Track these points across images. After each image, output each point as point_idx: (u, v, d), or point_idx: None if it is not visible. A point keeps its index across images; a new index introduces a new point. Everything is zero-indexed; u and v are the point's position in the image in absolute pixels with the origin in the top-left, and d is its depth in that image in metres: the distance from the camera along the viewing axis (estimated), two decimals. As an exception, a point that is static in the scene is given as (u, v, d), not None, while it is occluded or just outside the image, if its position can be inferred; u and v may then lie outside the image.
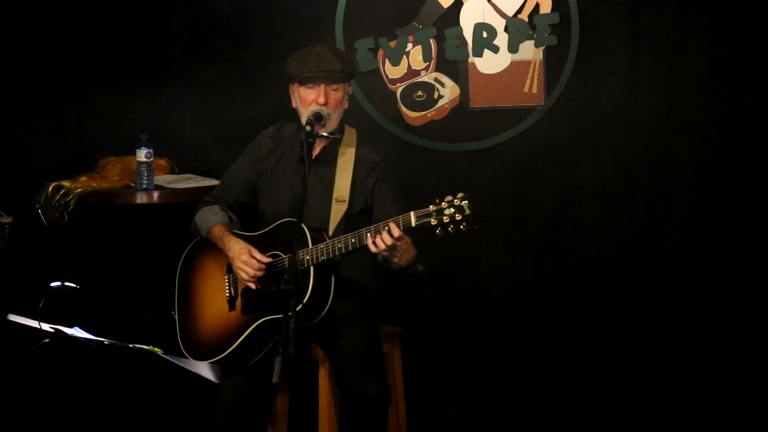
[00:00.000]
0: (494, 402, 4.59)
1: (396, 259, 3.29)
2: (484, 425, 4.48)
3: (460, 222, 3.11)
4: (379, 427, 3.41)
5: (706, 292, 4.53)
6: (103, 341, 3.08)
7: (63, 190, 4.14)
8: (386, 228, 3.20)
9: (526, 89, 4.56)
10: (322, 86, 3.49)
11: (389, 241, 3.20)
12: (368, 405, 3.35)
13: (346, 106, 3.61)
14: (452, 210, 3.11)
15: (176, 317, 3.65)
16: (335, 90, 3.51)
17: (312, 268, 3.32)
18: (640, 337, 4.57)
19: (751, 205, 4.48)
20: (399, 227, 3.19)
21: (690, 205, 4.53)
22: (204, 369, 3.13)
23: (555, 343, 4.62)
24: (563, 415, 4.52)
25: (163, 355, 3.05)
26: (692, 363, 4.54)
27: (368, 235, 3.24)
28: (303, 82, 3.52)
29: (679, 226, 4.54)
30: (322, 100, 3.48)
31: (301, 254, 3.28)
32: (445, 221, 3.11)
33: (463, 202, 3.11)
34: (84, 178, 4.22)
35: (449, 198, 3.13)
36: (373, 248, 3.23)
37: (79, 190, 4.14)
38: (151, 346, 3.05)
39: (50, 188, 4.15)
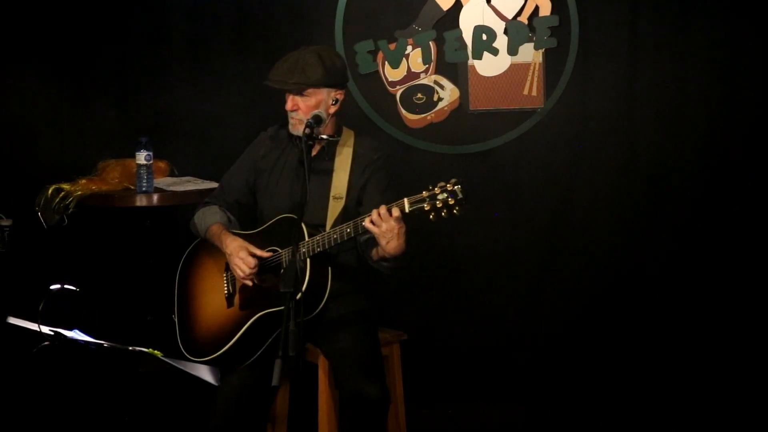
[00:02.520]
0: (494, 403, 4.58)
1: (384, 242, 3.25)
2: (483, 426, 4.48)
3: (453, 206, 3.13)
4: (378, 428, 3.41)
5: (708, 293, 4.53)
6: (103, 344, 3.08)
7: (63, 193, 4.13)
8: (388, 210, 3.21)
9: (525, 92, 4.56)
10: (290, 96, 3.52)
11: (387, 218, 3.18)
12: (368, 407, 3.35)
13: (332, 111, 3.58)
14: (445, 195, 3.13)
15: (176, 319, 3.65)
16: (305, 97, 3.51)
17: (308, 260, 3.32)
18: (641, 338, 4.57)
19: (752, 204, 4.48)
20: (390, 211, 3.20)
21: (691, 207, 4.53)
22: (203, 371, 3.13)
23: (554, 344, 4.62)
24: (563, 416, 4.52)
25: (162, 358, 3.06)
26: (694, 364, 4.54)
27: (363, 222, 3.23)
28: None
29: (679, 228, 4.54)
30: (289, 106, 3.51)
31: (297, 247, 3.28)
32: (438, 206, 3.14)
33: (456, 187, 3.14)
34: (84, 181, 4.22)
35: (442, 183, 3.16)
36: (368, 224, 3.21)
37: (79, 192, 4.14)
38: (150, 349, 3.05)
39: (50, 191, 4.15)
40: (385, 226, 3.21)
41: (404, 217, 3.22)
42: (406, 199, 3.19)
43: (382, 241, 3.25)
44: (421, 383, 4.37)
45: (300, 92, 3.51)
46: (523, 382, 4.64)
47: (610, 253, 4.58)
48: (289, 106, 3.52)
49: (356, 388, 3.35)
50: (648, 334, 4.57)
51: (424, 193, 3.17)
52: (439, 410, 4.57)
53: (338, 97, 3.58)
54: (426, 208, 3.15)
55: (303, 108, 3.52)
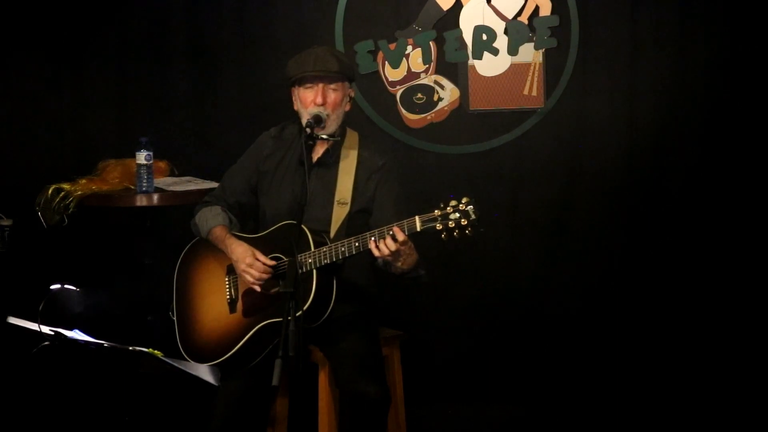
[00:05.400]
0: (493, 403, 4.58)
1: (399, 264, 3.28)
2: (483, 427, 4.48)
3: (465, 227, 3.10)
4: (378, 428, 3.41)
5: (708, 294, 4.52)
6: (103, 344, 3.08)
7: (63, 193, 4.13)
8: (390, 233, 3.19)
9: (525, 92, 4.56)
10: (320, 86, 3.50)
11: (393, 246, 3.19)
12: (368, 407, 3.35)
13: (347, 108, 3.61)
14: (458, 215, 3.10)
15: (175, 319, 3.65)
16: (334, 90, 3.52)
17: (315, 271, 3.31)
18: (641, 338, 4.57)
19: (753, 205, 4.48)
20: (403, 231, 3.18)
21: (691, 207, 4.53)
22: (203, 371, 3.13)
23: (554, 344, 4.62)
24: (562, 417, 4.52)
25: (162, 358, 3.06)
26: (694, 365, 4.53)
27: (372, 239, 3.23)
28: (301, 82, 3.53)
29: (680, 228, 4.54)
30: (319, 99, 3.49)
31: (303, 257, 3.28)
32: (450, 226, 3.10)
33: (468, 207, 3.10)
34: (84, 181, 4.22)
35: (454, 202, 3.12)
36: (376, 252, 3.22)
37: (79, 192, 4.13)
38: (150, 349, 3.05)
39: (50, 191, 4.15)
40: (394, 249, 3.19)
41: (413, 237, 3.20)
42: (417, 217, 3.16)
43: (397, 263, 3.27)
44: (421, 383, 4.37)
45: (334, 81, 3.50)
46: (522, 382, 4.63)
47: (610, 253, 4.58)
48: (319, 99, 3.49)
49: (356, 387, 3.35)
50: (648, 334, 4.56)
51: (436, 212, 3.13)
52: (439, 410, 4.57)
53: (351, 94, 3.61)
54: (438, 228, 3.12)
55: (331, 102, 3.51)
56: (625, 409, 4.50)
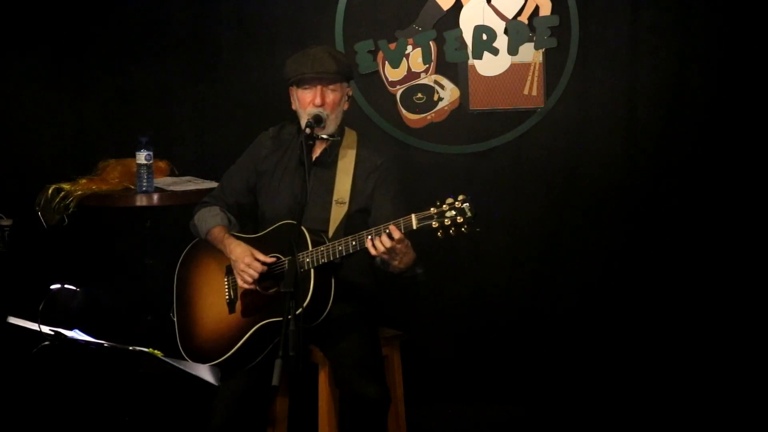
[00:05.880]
0: (494, 403, 4.58)
1: (395, 262, 3.28)
2: (483, 427, 4.48)
3: (461, 224, 3.11)
4: (378, 428, 3.42)
5: (708, 294, 4.52)
6: (103, 344, 3.08)
7: (63, 193, 4.13)
8: (386, 231, 3.20)
9: (525, 92, 4.56)
10: (319, 87, 3.50)
11: (389, 243, 3.19)
12: (368, 407, 3.35)
13: (346, 107, 3.61)
14: (453, 212, 3.11)
15: (175, 319, 3.65)
16: (332, 90, 3.52)
17: (312, 270, 3.32)
18: (641, 338, 4.57)
19: (753, 205, 4.48)
20: (400, 230, 3.18)
21: (691, 207, 4.53)
22: (203, 371, 3.13)
23: (554, 344, 4.62)
24: (562, 417, 4.52)
25: (162, 358, 3.06)
26: (694, 365, 4.53)
27: (368, 237, 3.23)
28: (300, 83, 3.53)
29: (680, 229, 4.54)
30: (318, 101, 3.49)
31: (301, 257, 3.28)
32: (446, 224, 3.11)
33: (464, 204, 3.11)
34: (84, 181, 4.22)
35: (450, 200, 3.13)
36: (372, 251, 3.23)
37: (79, 192, 4.13)
38: (150, 349, 3.05)
39: (50, 191, 4.15)
40: (390, 247, 3.19)
41: (411, 235, 3.20)
42: (413, 216, 3.17)
43: (394, 262, 3.27)
44: (421, 383, 4.37)
45: (333, 82, 3.50)
46: (522, 382, 4.63)
47: (609, 253, 4.58)
48: (318, 100, 3.49)
49: (356, 387, 3.35)
50: (648, 334, 4.56)
51: (432, 210, 3.14)
52: (439, 410, 4.57)
53: (349, 92, 3.61)
54: (434, 226, 3.13)
55: (329, 103, 3.51)
56: (625, 408, 4.50)
